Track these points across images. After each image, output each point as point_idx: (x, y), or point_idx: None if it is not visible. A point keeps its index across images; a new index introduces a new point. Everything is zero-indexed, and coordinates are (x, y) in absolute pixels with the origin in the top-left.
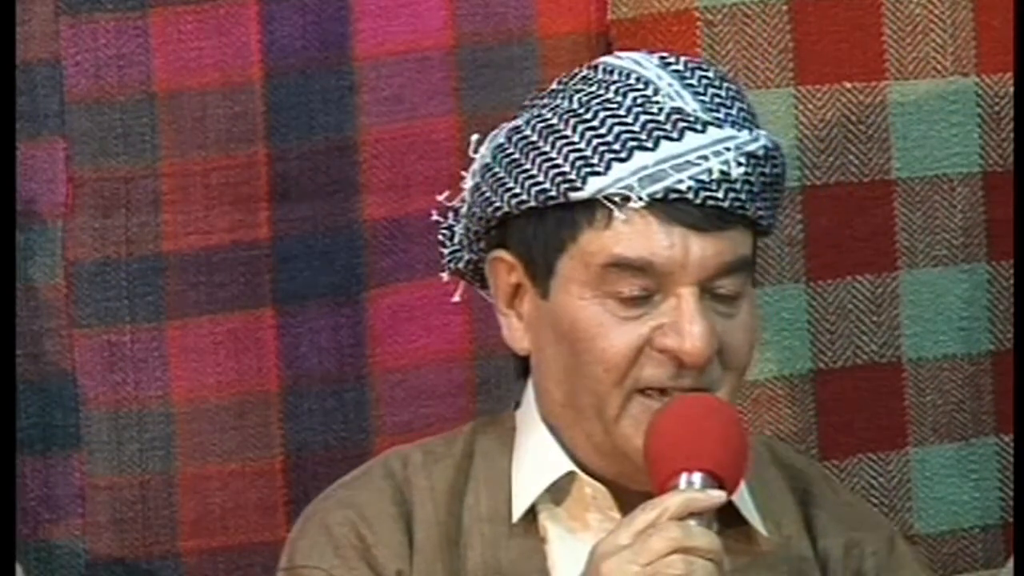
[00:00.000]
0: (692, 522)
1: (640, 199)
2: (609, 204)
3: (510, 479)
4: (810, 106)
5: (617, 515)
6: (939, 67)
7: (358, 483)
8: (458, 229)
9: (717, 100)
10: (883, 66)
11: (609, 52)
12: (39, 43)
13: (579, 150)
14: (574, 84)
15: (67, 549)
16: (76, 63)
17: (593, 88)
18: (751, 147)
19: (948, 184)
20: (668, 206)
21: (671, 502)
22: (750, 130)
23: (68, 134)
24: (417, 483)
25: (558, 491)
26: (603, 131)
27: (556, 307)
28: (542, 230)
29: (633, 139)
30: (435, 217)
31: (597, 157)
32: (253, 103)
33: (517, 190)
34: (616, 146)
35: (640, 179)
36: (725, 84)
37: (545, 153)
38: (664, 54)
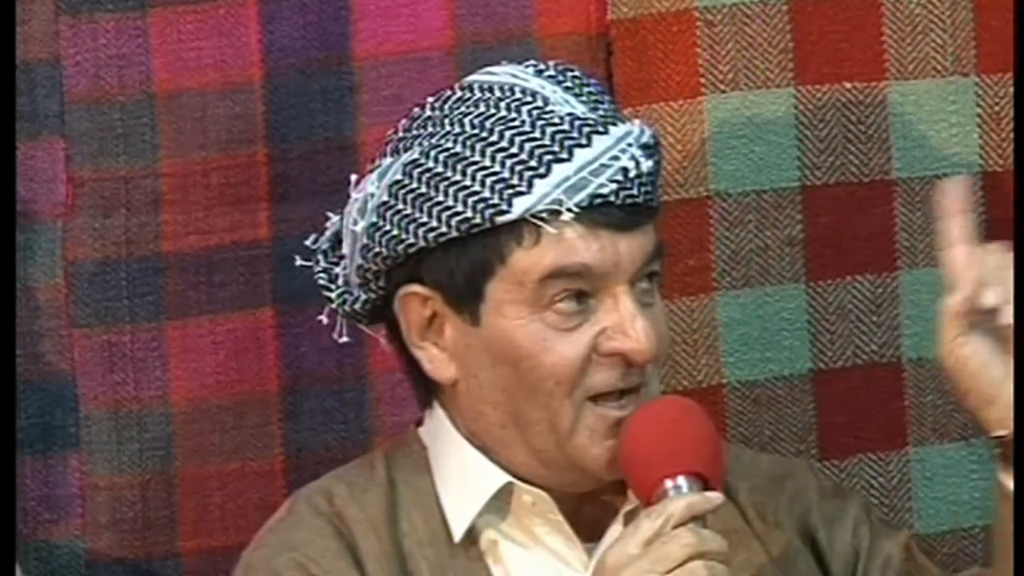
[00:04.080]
0: (691, 525)
1: (570, 211)
2: (536, 221)
3: (438, 501)
4: (810, 106)
5: (559, 517)
6: (939, 67)
7: (287, 525)
8: (340, 271)
9: (594, 98)
10: (883, 66)
11: (609, 52)
12: (39, 43)
13: (495, 173)
14: (456, 107)
15: (67, 549)
16: (76, 63)
17: (482, 108)
18: (644, 138)
19: None
20: (592, 211)
21: (674, 508)
22: (627, 122)
23: (68, 134)
24: (351, 516)
25: (495, 504)
26: (515, 150)
27: (490, 332)
28: (465, 259)
29: (547, 152)
30: (299, 262)
31: (517, 177)
32: (253, 103)
33: (433, 223)
34: (532, 163)
35: (565, 191)
36: (591, 81)
37: (457, 182)
38: (532, 62)
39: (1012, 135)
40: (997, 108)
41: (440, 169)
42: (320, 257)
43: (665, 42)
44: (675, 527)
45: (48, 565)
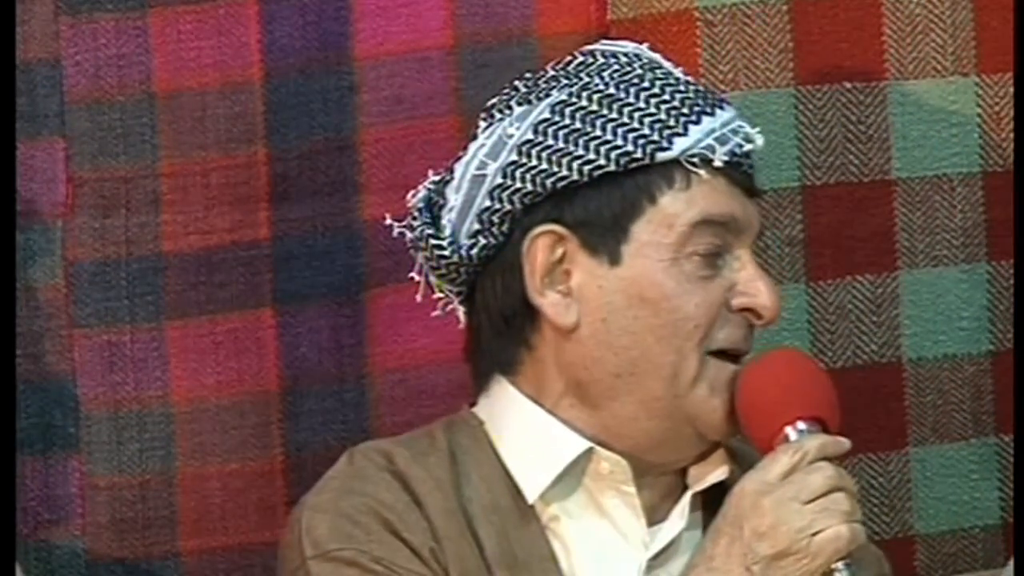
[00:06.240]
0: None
1: (720, 159)
2: (688, 165)
3: (503, 470)
4: (810, 106)
5: (631, 489)
6: (939, 67)
7: (349, 475)
8: (447, 222)
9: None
10: (883, 66)
11: None
12: (39, 43)
13: (652, 114)
14: (585, 67)
15: (67, 549)
16: (76, 63)
17: (616, 67)
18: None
19: (948, 184)
20: (731, 168)
21: (810, 445)
22: None
23: (68, 134)
24: (415, 475)
25: (565, 472)
26: (667, 97)
27: (631, 272)
28: (617, 195)
29: (695, 104)
30: (397, 229)
31: (673, 120)
32: (253, 103)
33: (591, 156)
34: (684, 110)
35: (715, 139)
36: None
37: (615, 120)
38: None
39: (1012, 135)
40: (997, 108)
41: (595, 108)
42: (416, 214)
43: (665, 42)
44: (810, 464)
45: (48, 565)
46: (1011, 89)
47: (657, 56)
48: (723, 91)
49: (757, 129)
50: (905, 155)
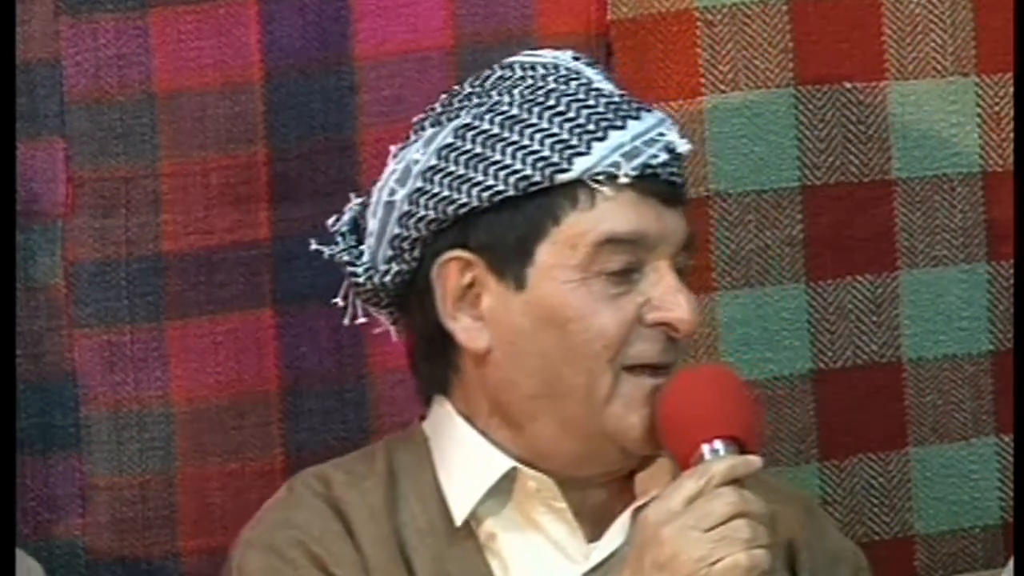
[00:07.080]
0: (733, 486)
1: (627, 175)
2: (592, 184)
3: (439, 491)
4: (810, 106)
5: (562, 504)
6: (939, 67)
7: (286, 505)
8: (367, 247)
9: (621, 88)
10: (883, 66)
11: (609, 52)
12: (39, 43)
13: (554, 135)
14: (501, 82)
15: (67, 549)
16: (76, 63)
17: (530, 81)
18: (675, 127)
19: (948, 184)
20: (643, 181)
21: (716, 469)
22: None
23: (68, 134)
24: (351, 501)
25: (497, 492)
26: (572, 115)
27: (536, 295)
28: (519, 218)
29: (603, 119)
30: (314, 246)
31: (576, 139)
32: (253, 103)
33: (489, 181)
34: (590, 127)
35: (622, 155)
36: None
37: (515, 142)
38: (568, 51)
39: (1012, 135)
40: (997, 108)
41: (496, 131)
42: (340, 239)
43: (665, 42)
44: (716, 488)
45: (48, 565)
46: (1011, 89)
47: (579, 64)
48: (723, 91)
49: (683, 137)
50: (905, 155)
